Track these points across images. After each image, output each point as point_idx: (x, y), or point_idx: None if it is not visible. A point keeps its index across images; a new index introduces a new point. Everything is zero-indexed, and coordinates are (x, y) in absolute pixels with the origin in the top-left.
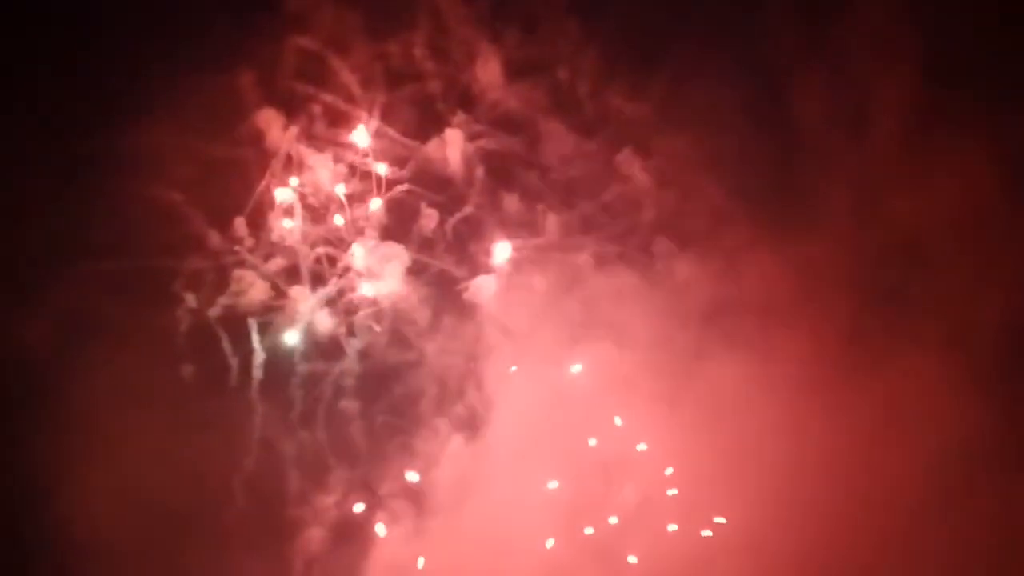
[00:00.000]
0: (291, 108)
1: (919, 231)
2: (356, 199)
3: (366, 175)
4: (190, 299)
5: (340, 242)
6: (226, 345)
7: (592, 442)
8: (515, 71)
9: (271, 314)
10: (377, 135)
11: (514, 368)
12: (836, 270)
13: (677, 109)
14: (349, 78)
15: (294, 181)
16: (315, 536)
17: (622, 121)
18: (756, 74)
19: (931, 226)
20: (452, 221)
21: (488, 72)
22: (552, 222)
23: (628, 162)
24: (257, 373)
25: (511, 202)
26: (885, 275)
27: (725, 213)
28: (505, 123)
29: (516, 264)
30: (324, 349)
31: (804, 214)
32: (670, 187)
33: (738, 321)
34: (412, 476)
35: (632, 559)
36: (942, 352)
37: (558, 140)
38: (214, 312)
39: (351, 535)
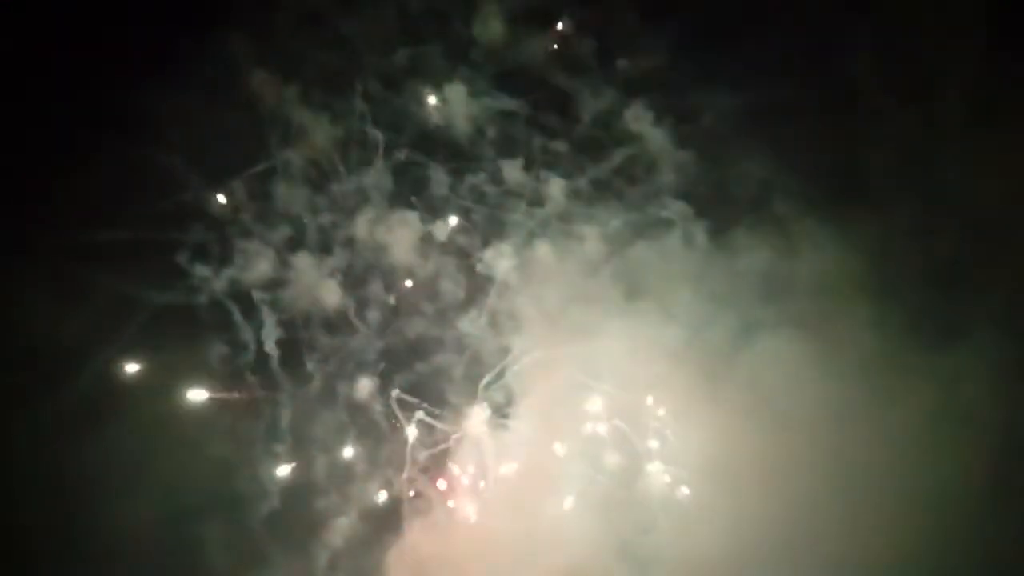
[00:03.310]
0: (288, 71)
1: (985, 208)
2: (358, 165)
3: (366, 140)
4: (197, 271)
5: (343, 210)
6: (237, 320)
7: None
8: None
9: (279, 287)
10: (376, 97)
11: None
12: (897, 247)
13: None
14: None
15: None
16: (339, 525)
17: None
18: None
19: (997, 203)
20: (458, 187)
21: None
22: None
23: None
24: (271, 350)
25: (515, 168)
26: (949, 253)
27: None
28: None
29: (527, 235)
30: (335, 323)
31: (862, 187)
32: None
33: (792, 300)
34: None
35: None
36: (1008, 334)
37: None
38: (220, 286)
39: (374, 521)
